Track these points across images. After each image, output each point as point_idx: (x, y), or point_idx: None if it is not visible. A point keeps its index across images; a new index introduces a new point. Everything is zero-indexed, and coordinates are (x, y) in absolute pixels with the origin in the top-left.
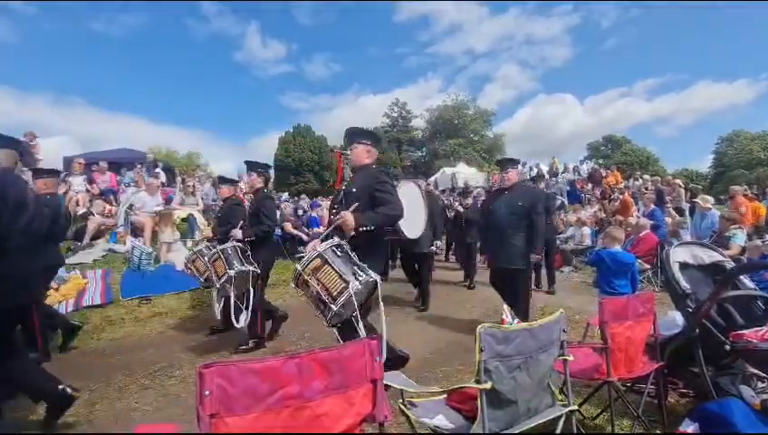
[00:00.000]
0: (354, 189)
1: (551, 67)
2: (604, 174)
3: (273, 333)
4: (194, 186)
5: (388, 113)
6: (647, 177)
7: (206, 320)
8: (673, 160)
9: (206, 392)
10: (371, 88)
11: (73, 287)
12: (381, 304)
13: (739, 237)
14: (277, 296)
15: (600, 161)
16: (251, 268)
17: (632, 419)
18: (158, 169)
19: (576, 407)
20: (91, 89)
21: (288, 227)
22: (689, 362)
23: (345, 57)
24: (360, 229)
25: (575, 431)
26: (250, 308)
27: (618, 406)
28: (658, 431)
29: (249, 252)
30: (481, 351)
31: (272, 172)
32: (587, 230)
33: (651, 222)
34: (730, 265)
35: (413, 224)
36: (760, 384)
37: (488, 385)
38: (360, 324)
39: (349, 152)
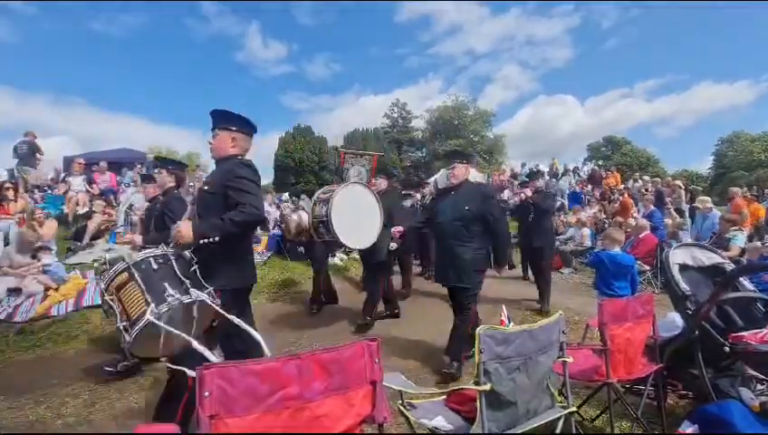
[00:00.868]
0: (207, 188)
1: (551, 68)
2: (604, 175)
3: None
4: (194, 185)
5: (389, 114)
6: (646, 178)
7: None
8: (673, 161)
9: (206, 393)
10: (372, 88)
11: (73, 287)
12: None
13: (739, 239)
14: (278, 298)
15: (600, 162)
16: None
17: (631, 420)
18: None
19: (575, 408)
20: (92, 89)
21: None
22: (689, 364)
23: (346, 57)
24: (204, 242)
25: (574, 433)
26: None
27: (617, 407)
28: (658, 433)
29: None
30: (480, 352)
31: (185, 172)
32: (587, 231)
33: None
34: (730, 266)
35: (362, 232)
36: (759, 386)
37: (487, 387)
38: (204, 352)
39: (210, 140)
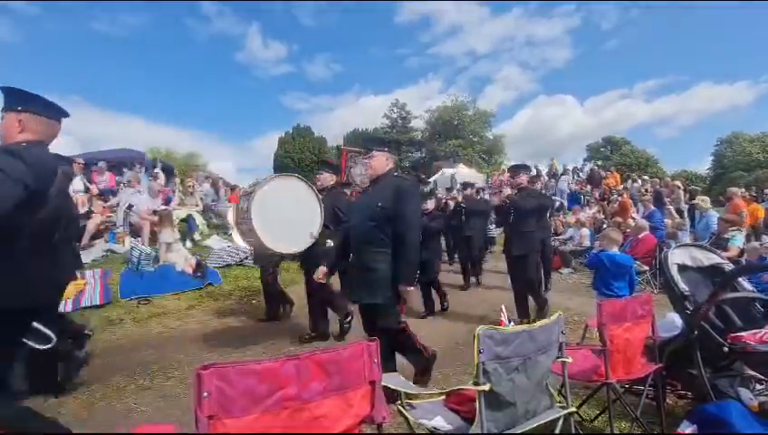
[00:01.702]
0: None
1: (551, 68)
2: (603, 175)
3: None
4: (193, 186)
5: (388, 114)
6: (646, 178)
7: (205, 321)
8: (672, 162)
9: (205, 394)
10: (372, 89)
11: (72, 287)
12: None
13: (738, 239)
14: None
15: (600, 163)
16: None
17: (631, 420)
18: (157, 170)
19: (575, 409)
20: (92, 88)
21: None
22: (688, 364)
23: (346, 58)
24: None
25: (574, 433)
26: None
27: (616, 408)
28: (657, 433)
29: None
30: (479, 352)
31: None
32: (586, 232)
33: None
34: (729, 267)
35: (294, 233)
36: (758, 386)
37: (486, 387)
38: None
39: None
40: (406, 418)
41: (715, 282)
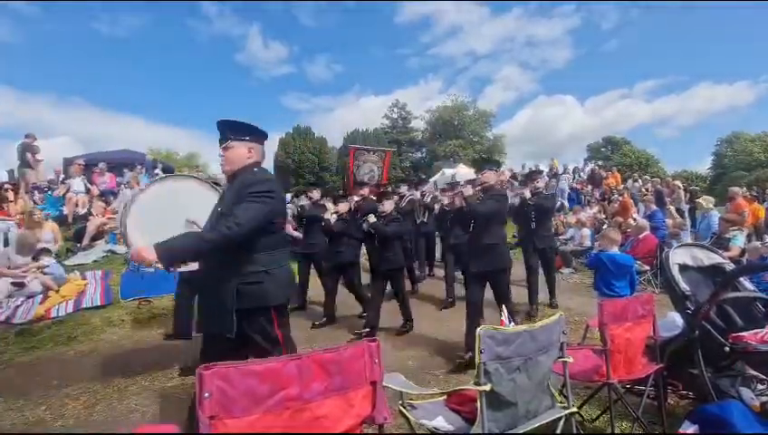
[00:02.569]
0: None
1: (551, 69)
2: (604, 175)
3: None
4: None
5: (388, 114)
6: (646, 177)
7: None
8: (672, 162)
9: (206, 394)
10: (372, 89)
11: (73, 288)
12: None
13: (739, 239)
14: None
15: (600, 163)
16: None
17: (632, 420)
18: (156, 170)
19: (576, 409)
20: (93, 89)
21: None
22: (689, 364)
23: (346, 58)
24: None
25: (575, 433)
26: None
27: (617, 408)
28: (658, 433)
29: None
30: (480, 352)
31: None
32: (587, 232)
33: (650, 224)
34: (730, 266)
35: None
36: (759, 386)
37: (487, 387)
38: None
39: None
40: (407, 418)
41: (716, 282)
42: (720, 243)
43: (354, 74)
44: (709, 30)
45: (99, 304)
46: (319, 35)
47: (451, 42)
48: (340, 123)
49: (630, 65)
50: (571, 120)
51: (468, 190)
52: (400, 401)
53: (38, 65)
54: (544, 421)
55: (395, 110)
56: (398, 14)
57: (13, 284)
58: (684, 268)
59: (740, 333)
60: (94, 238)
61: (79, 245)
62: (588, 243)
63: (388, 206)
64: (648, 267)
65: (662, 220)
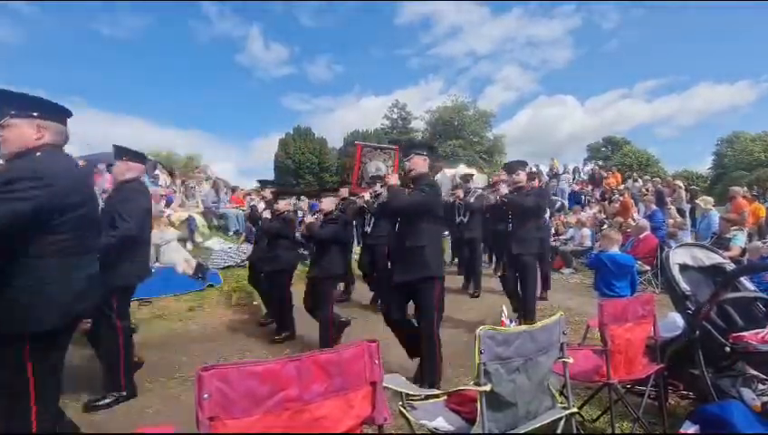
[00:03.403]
0: None
1: (552, 69)
2: (605, 175)
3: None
4: (194, 187)
5: (388, 115)
6: (647, 177)
7: (206, 322)
8: (673, 161)
9: (206, 395)
10: (373, 90)
11: None
12: None
13: (739, 239)
14: None
15: (600, 163)
16: None
17: (632, 421)
18: (156, 171)
19: (576, 409)
20: (93, 90)
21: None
22: (689, 364)
23: (347, 59)
24: None
25: (575, 433)
26: None
27: (618, 408)
28: (659, 433)
29: None
30: (480, 353)
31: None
32: (587, 232)
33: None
34: (730, 266)
35: None
36: (760, 386)
37: (487, 387)
38: None
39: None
40: (407, 419)
41: (716, 282)
42: (720, 243)
43: (354, 75)
44: (709, 30)
45: None
46: (319, 36)
47: (451, 42)
48: (341, 124)
49: (630, 65)
50: (571, 120)
51: (392, 179)
52: (400, 402)
53: (38, 65)
54: (545, 422)
55: (395, 110)
56: (399, 15)
57: None
58: (684, 268)
59: (741, 333)
60: None
61: None
62: (588, 243)
63: (326, 204)
64: (648, 267)
65: (662, 220)
